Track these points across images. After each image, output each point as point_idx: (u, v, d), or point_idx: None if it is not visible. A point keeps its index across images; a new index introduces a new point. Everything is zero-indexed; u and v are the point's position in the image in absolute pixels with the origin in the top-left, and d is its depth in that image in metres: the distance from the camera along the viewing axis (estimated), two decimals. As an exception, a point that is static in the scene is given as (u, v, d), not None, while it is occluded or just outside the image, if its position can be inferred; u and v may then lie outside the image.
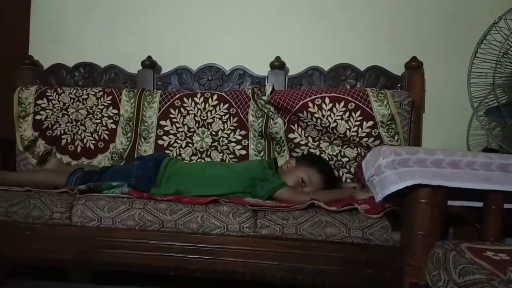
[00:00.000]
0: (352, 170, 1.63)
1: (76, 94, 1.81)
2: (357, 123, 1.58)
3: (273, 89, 1.70)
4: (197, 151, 1.73)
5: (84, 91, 1.81)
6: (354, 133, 1.57)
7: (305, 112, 1.60)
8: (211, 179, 1.44)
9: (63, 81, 1.94)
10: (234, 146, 1.71)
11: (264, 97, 1.66)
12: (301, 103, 1.60)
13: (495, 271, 0.58)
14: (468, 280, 0.59)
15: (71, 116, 1.81)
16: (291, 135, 1.66)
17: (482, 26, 1.42)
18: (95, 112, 1.79)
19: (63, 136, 1.83)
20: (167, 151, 1.73)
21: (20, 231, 1.23)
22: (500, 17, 1.38)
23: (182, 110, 1.74)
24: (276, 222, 1.15)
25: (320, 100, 1.60)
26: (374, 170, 0.83)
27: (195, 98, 1.74)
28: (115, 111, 1.79)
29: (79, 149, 1.82)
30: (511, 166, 0.79)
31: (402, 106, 1.60)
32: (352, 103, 1.59)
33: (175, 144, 1.74)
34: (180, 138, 1.74)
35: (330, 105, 1.59)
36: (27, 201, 1.26)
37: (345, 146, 1.63)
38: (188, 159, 1.73)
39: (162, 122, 1.75)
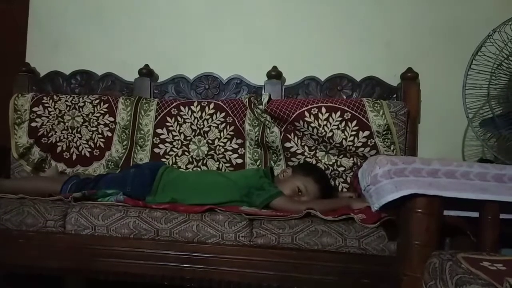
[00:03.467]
0: (348, 179, 1.63)
1: (72, 102, 1.81)
2: (353, 133, 1.58)
3: (269, 98, 1.71)
4: (193, 160, 1.73)
5: (81, 99, 1.81)
6: (350, 143, 1.58)
7: (301, 122, 1.60)
8: (207, 187, 1.43)
9: (60, 89, 1.94)
10: (230, 155, 1.70)
11: (260, 106, 1.67)
12: (297, 112, 1.61)
13: (492, 281, 0.58)
14: (465, 290, 0.59)
15: (67, 124, 1.81)
16: (287, 144, 1.66)
17: (477, 38, 1.44)
18: (91, 120, 1.79)
19: (58, 144, 1.82)
20: (163, 160, 1.73)
21: (13, 239, 1.22)
22: (495, 29, 1.40)
23: (179, 118, 1.74)
24: (272, 231, 1.15)
25: (317, 110, 1.61)
26: (371, 180, 0.83)
27: (191, 107, 1.74)
28: (111, 119, 1.78)
29: (74, 156, 1.81)
30: (507, 176, 0.79)
31: (398, 117, 1.61)
32: (348, 113, 1.59)
33: (171, 153, 1.74)
34: (176, 146, 1.74)
35: (327, 114, 1.60)
36: (21, 208, 1.25)
37: (341, 156, 1.63)
38: (184, 168, 1.72)
39: (159, 130, 1.75)
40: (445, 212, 0.83)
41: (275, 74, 1.80)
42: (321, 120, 1.60)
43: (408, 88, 1.70)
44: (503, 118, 1.41)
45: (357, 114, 1.59)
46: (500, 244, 0.80)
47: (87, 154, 1.80)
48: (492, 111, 1.41)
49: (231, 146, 1.71)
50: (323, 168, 1.62)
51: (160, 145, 1.75)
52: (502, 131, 1.40)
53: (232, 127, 1.70)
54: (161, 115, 1.75)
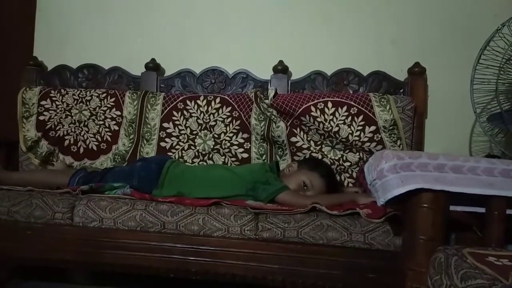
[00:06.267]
0: (354, 174, 1.63)
1: (80, 96, 1.82)
2: (360, 127, 1.58)
3: (275, 92, 1.71)
4: (199, 154, 1.73)
5: (88, 93, 1.82)
6: (357, 138, 1.58)
7: (307, 116, 1.60)
8: (213, 181, 1.44)
9: (67, 82, 1.95)
10: (236, 149, 1.71)
11: (266, 101, 1.67)
12: (303, 107, 1.60)
13: (497, 276, 0.58)
14: (470, 285, 0.59)
15: (74, 117, 1.82)
16: (293, 139, 1.66)
17: (486, 32, 1.43)
18: (98, 114, 1.80)
19: (66, 137, 1.83)
20: (169, 153, 1.74)
21: (21, 230, 1.24)
22: (504, 23, 1.39)
23: (185, 112, 1.74)
24: (278, 225, 1.15)
25: (323, 105, 1.60)
26: (377, 174, 0.83)
27: (198, 101, 1.74)
28: (118, 112, 1.79)
29: (81, 150, 1.82)
30: (514, 172, 0.78)
31: (405, 112, 1.60)
32: (354, 108, 1.59)
33: (177, 147, 1.75)
34: (182, 140, 1.75)
35: (333, 109, 1.60)
36: (29, 201, 1.27)
37: (347, 151, 1.63)
38: (190, 162, 1.73)
39: (165, 124, 1.76)
40: (451, 207, 0.83)
41: (281, 69, 1.80)
42: (327, 114, 1.59)
43: (415, 83, 1.69)
44: (511, 113, 1.40)
45: (363, 109, 1.58)
46: (506, 239, 0.80)
47: (94, 148, 1.81)
48: (500, 106, 1.40)
49: (237, 140, 1.71)
50: (329, 163, 1.62)
51: (167, 139, 1.75)
52: (510, 127, 1.39)
53: (238, 122, 1.70)
54: (167, 109, 1.76)
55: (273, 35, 1.89)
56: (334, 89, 1.76)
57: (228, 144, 1.71)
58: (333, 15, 1.85)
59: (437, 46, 1.77)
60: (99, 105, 1.80)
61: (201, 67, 1.87)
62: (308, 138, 1.66)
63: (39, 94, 1.84)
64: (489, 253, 0.68)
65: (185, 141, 1.75)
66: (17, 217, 1.26)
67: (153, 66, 1.90)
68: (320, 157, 1.64)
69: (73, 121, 1.82)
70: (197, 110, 1.74)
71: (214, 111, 1.72)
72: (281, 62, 1.81)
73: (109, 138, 1.81)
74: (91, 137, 1.82)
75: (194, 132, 1.74)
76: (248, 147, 1.71)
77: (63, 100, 1.82)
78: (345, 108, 1.59)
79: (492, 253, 0.68)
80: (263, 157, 1.70)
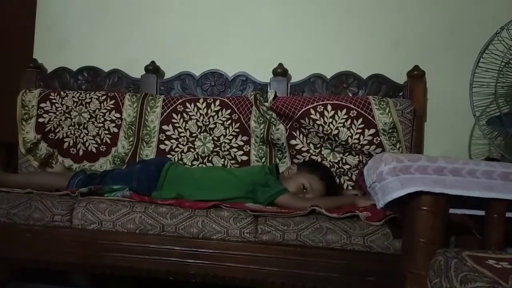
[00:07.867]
0: (354, 177, 1.63)
1: (79, 98, 1.82)
2: (359, 130, 1.58)
3: (275, 95, 1.71)
4: (199, 156, 1.73)
5: (87, 95, 1.82)
6: (356, 141, 1.58)
7: (307, 119, 1.60)
8: (212, 184, 1.44)
9: (67, 85, 1.95)
10: (235, 152, 1.71)
11: (266, 104, 1.67)
12: (303, 110, 1.61)
13: (497, 279, 0.58)
14: (470, 288, 0.59)
15: (73, 120, 1.82)
16: (292, 142, 1.66)
17: (485, 36, 1.43)
18: (98, 116, 1.80)
19: (65, 139, 1.83)
20: (169, 156, 1.74)
21: (20, 233, 1.23)
22: (503, 27, 1.39)
23: (185, 115, 1.74)
24: (277, 228, 1.15)
25: (322, 107, 1.61)
26: (376, 177, 0.83)
27: (197, 104, 1.74)
28: (118, 115, 1.79)
29: (81, 152, 1.82)
30: (513, 174, 0.78)
31: (404, 115, 1.60)
32: (354, 111, 1.59)
33: (177, 149, 1.75)
34: (182, 143, 1.75)
35: (332, 112, 1.60)
36: (28, 203, 1.26)
37: (346, 154, 1.63)
38: (190, 164, 1.73)
39: (164, 127, 1.76)
40: (451, 210, 0.83)
41: (280, 71, 1.80)
42: (327, 117, 1.60)
43: (415, 86, 1.70)
44: (510, 117, 1.40)
45: (363, 112, 1.58)
46: (506, 242, 0.80)
47: (94, 150, 1.81)
48: (499, 109, 1.40)
49: (236, 143, 1.71)
50: (328, 165, 1.62)
51: (166, 142, 1.75)
52: (509, 130, 1.39)
53: (238, 124, 1.70)
54: (167, 112, 1.76)
55: (273, 38, 1.89)
56: (333, 92, 1.77)
57: (228, 147, 1.71)
58: (332, 18, 1.86)
59: (436, 49, 1.77)
60: (99, 107, 1.80)
61: (200, 70, 1.88)
62: (308, 141, 1.66)
63: (38, 96, 1.84)
64: (489, 256, 0.68)
65: (184, 143, 1.75)
66: (16, 219, 1.25)
67: (152, 69, 1.90)
68: (319, 159, 1.64)
69: (72, 124, 1.82)
70: (196, 113, 1.74)
71: (214, 113, 1.72)
72: (280, 65, 1.81)
73: (108, 141, 1.81)
74: (90, 139, 1.81)
75: (194, 135, 1.74)
76: (247, 150, 1.71)
77: (62, 103, 1.82)
78: (344, 111, 1.60)
79: (492, 256, 0.68)
80: (263, 160, 1.70)
